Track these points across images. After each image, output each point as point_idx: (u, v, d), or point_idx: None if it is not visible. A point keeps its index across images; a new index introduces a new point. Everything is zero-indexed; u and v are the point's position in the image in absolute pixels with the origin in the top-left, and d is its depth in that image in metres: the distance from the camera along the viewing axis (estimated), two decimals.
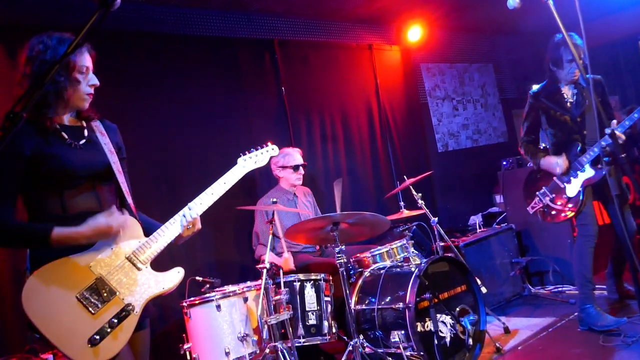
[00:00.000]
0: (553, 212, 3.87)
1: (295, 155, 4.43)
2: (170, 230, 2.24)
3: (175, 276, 2.21)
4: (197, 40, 4.68)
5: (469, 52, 7.17)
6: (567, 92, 3.94)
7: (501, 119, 7.31)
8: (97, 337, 1.96)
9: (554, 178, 3.87)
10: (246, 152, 2.61)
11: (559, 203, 3.84)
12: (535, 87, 4.05)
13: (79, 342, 1.93)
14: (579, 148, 3.81)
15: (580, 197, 3.75)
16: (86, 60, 2.11)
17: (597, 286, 3.93)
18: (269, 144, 2.69)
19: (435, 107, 6.56)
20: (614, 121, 3.57)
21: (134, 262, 2.14)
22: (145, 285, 2.14)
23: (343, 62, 5.76)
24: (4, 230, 1.98)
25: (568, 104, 3.90)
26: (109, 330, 1.99)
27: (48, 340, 1.88)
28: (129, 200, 2.25)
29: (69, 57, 2.00)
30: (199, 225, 2.32)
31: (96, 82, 2.15)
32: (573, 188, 3.78)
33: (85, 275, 2.01)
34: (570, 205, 3.79)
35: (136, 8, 4.32)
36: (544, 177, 3.95)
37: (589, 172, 3.73)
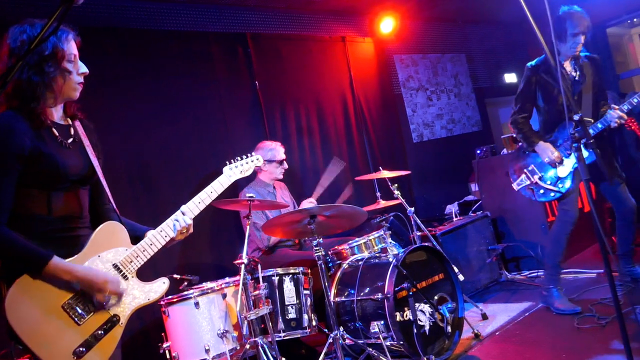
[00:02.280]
0: (541, 191, 3.84)
1: (280, 150, 4.44)
2: (158, 240, 2.23)
3: (160, 287, 2.22)
4: (169, 35, 4.61)
5: (441, 43, 7.21)
6: (568, 67, 3.93)
7: (475, 108, 7.38)
8: (83, 349, 1.92)
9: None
10: (232, 161, 2.63)
11: (549, 182, 3.82)
12: (533, 62, 3.97)
13: (63, 353, 1.89)
14: (572, 127, 3.82)
15: (571, 180, 3.77)
16: (73, 48, 2.07)
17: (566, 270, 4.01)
18: (253, 154, 2.74)
19: (409, 98, 6.59)
20: (613, 107, 3.64)
21: (121, 271, 2.11)
22: (131, 295, 2.13)
23: (316, 54, 5.74)
24: (2, 241, 1.89)
25: (567, 79, 3.88)
26: (95, 341, 1.96)
27: (31, 351, 1.82)
28: (113, 204, 2.24)
29: (58, 46, 1.97)
30: (191, 229, 2.35)
31: (85, 70, 2.11)
32: (565, 168, 3.80)
33: (71, 283, 1.96)
34: (560, 185, 3.80)
35: (106, 3, 4.25)
36: (531, 154, 3.93)
37: (583, 153, 3.77)
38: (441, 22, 7.21)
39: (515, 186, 3.96)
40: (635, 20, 8.23)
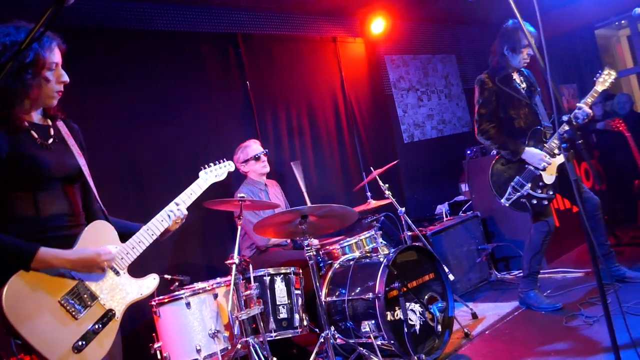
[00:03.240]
0: (534, 201, 3.82)
1: (252, 146, 4.44)
2: (146, 238, 2.26)
3: (151, 282, 2.27)
4: (159, 35, 4.60)
5: (432, 44, 7.25)
6: (517, 78, 4.01)
7: (465, 109, 7.42)
8: (82, 342, 1.95)
9: (527, 166, 3.84)
10: (206, 166, 2.71)
11: (538, 191, 3.82)
12: (483, 75, 4.04)
13: (63, 348, 1.90)
14: (540, 133, 3.89)
15: (556, 184, 3.80)
16: (56, 56, 2.04)
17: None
18: (224, 159, 2.81)
19: (400, 99, 6.62)
20: (582, 105, 3.69)
21: (113, 267, 2.14)
22: (125, 290, 2.16)
23: (307, 55, 5.75)
24: None
25: (522, 89, 3.97)
26: (93, 335, 1.98)
27: (31, 346, 1.83)
28: (100, 203, 2.25)
29: (40, 54, 1.95)
30: (184, 219, 2.42)
31: (66, 79, 2.09)
32: (550, 175, 3.82)
33: (66, 278, 1.98)
34: (550, 192, 3.82)
35: (96, 4, 4.23)
36: (512, 165, 3.90)
37: (561, 158, 3.82)
38: (432, 22, 7.25)
39: (504, 202, 3.87)
40: (622, 22, 8.33)
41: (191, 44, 4.79)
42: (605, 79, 3.85)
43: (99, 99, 4.12)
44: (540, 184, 3.82)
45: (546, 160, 3.79)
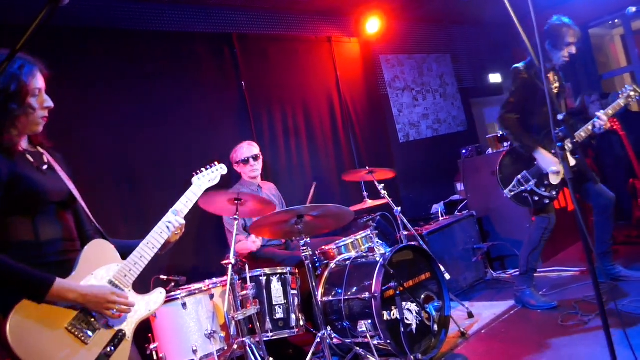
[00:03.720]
0: (536, 198, 3.83)
1: (243, 149, 4.44)
2: (147, 252, 2.22)
3: (159, 297, 2.24)
4: (154, 35, 4.59)
5: (427, 43, 7.26)
6: (551, 77, 3.99)
7: (460, 108, 7.43)
8: None
9: (536, 163, 3.85)
10: (198, 172, 2.65)
11: (542, 189, 3.82)
12: (521, 64, 3.96)
13: None
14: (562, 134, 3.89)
15: (561, 186, 3.81)
16: (39, 82, 2.01)
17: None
18: (216, 163, 2.75)
19: (395, 98, 6.63)
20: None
21: (117, 286, 2.10)
22: (133, 309, 2.11)
23: (303, 55, 5.75)
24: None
25: (554, 87, 3.95)
26: (106, 359, 1.95)
27: None
28: (96, 224, 2.22)
29: (22, 82, 1.93)
30: (183, 229, 2.38)
31: (50, 104, 2.06)
32: (559, 176, 3.82)
33: (74, 304, 1.94)
34: (553, 192, 3.83)
35: (91, 4, 4.21)
36: (522, 159, 3.90)
37: (572, 162, 3.83)
38: (426, 22, 7.26)
39: (507, 193, 3.89)
40: (616, 21, 8.36)
41: (186, 44, 4.78)
42: (630, 95, 3.92)
43: (95, 98, 4.11)
44: (546, 182, 3.83)
45: (556, 168, 3.78)
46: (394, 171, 4.60)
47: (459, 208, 5.67)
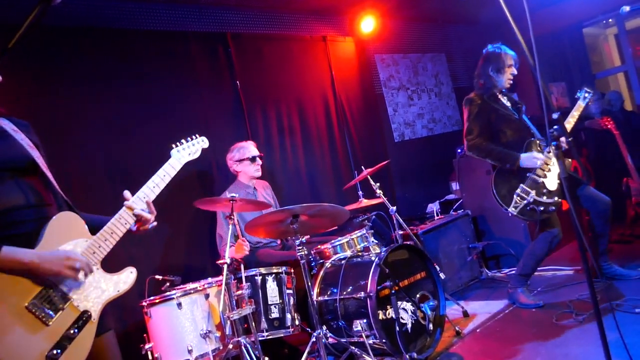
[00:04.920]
0: (542, 208, 3.80)
1: (249, 147, 4.40)
2: (119, 228, 2.07)
3: (128, 277, 2.08)
4: (149, 34, 4.57)
5: (421, 42, 7.26)
6: (502, 98, 4.14)
7: (455, 108, 7.44)
8: (57, 351, 1.78)
9: (528, 175, 3.85)
10: (178, 144, 2.55)
11: (544, 197, 3.82)
12: (471, 94, 4.14)
13: (35, 358, 1.73)
14: (536, 145, 3.95)
15: (560, 189, 3.84)
16: None
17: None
18: (197, 135, 2.65)
19: (390, 98, 6.63)
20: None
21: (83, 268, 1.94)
22: (100, 288, 1.97)
23: (297, 54, 5.74)
24: None
25: (508, 106, 4.10)
26: (68, 342, 1.81)
27: None
28: (62, 195, 2.07)
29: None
30: (154, 214, 2.21)
31: None
32: (552, 181, 3.85)
33: (32, 280, 1.80)
34: (555, 198, 3.83)
35: (84, 3, 4.19)
36: (514, 176, 3.90)
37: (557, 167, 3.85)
38: (421, 21, 7.26)
39: (512, 211, 3.83)
40: (610, 20, 8.39)
41: (180, 44, 4.77)
42: (586, 97, 4.13)
43: (88, 98, 4.09)
44: (544, 190, 3.84)
45: (539, 157, 3.83)
46: (388, 165, 4.60)
47: (454, 207, 5.68)
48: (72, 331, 1.84)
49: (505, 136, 4.00)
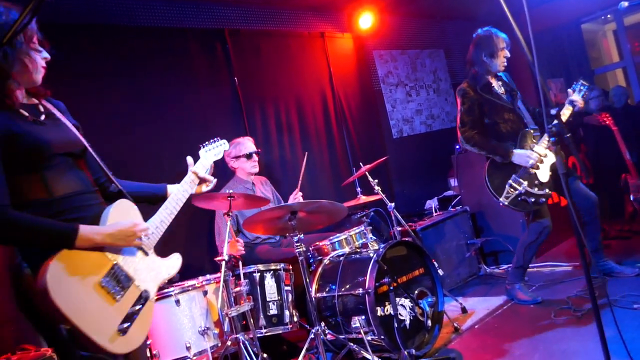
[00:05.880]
0: (532, 199, 3.81)
1: (246, 144, 4.40)
2: (167, 217, 2.29)
3: (176, 262, 2.30)
4: (146, 31, 4.55)
5: (420, 38, 7.25)
6: (496, 84, 4.07)
7: (453, 104, 7.43)
8: (126, 324, 1.92)
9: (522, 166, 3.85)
10: (205, 144, 2.74)
11: (535, 189, 3.82)
12: (464, 84, 4.08)
13: (110, 330, 1.87)
14: (530, 136, 3.93)
15: (551, 182, 3.83)
16: (37, 32, 1.99)
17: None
18: (218, 138, 2.80)
19: (388, 94, 6.62)
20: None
21: (142, 248, 2.14)
22: (155, 271, 2.15)
23: (296, 50, 5.73)
24: (14, 223, 1.79)
25: (502, 94, 4.03)
26: (134, 317, 1.96)
27: (80, 331, 1.77)
28: (111, 176, 2.22)
29: (27, 26, 1.83)
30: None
31: (47, 55, 2.03)
32: (544, 173, 3.85)
33: (102, 260, 1.95)
34: (547, 190, 3.83)
35: (84, 1, 4.18)
36: (507, 166, 3.90)
37: (552, 157, 3.84)
38: (419, 17, 7.24)
39: (503, 201, 3.84)
40: (609, 16, 8.38)
41: (178, 40, 4.75)
42: (581, 89, 4.00)
43: (85, 95, 4.07)
44: (536, 182, 3.83)
45: (533, 157, 3.81)
46: (386, 161, 4.60)
47: (452, 204, 5.68)
48: (136, 307, 2.00)
49: (499, 127, 3.98)
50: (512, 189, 3.84)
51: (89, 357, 1.85)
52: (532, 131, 3.95)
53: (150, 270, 2.14)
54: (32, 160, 1.91)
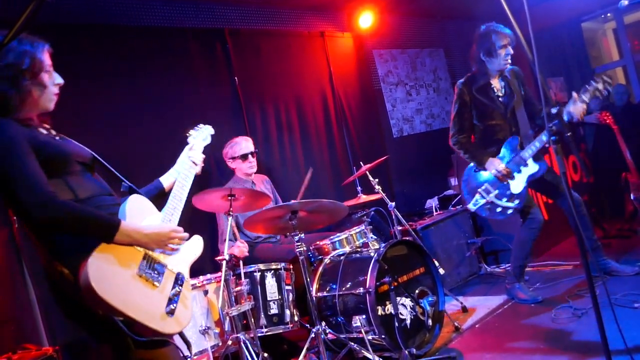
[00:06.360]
0: (498, 209, 3.86)
1: (242, 144, 4.39)
2: (182, 193, 2.39)
3: (198, 242, 2.35)
4: (146, 31, 4.55)
5: (420, 38, 7.24)
6: (497, 85, 3.99)
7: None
8: (172, 306, 2.00)
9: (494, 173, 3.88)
10: (191, 131, 2.81)
11: (504, 200, 3.85)
12: (463, 80, 4.03)
13: (159, 314, 1.94)
14: (517, 142, 3.90)
15: (524, 195, 3.83)
16: (48, 59, 2.07)
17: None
18: (201, 125, 2.87)
19: (389, 93, 6.62)
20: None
21: None
22: (182, 254, 2.21)
23: (296, 50, 5.72)
24: (66, 207, 1.86)
25: (499, 97, 3.96)
26: (177, 298, 2.04)
27: (134, 320, 1.83)
28: (125, 181, 2.32)
29: (36, 58, 1.98)
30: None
31: (61, 80, 2.11)
32: (517, 184, 3.83)
33: (133, 252, 1.99)
34: (516, 202, 3.83)
35: (84, 1, 4.17)
36: (484, 173, 3.95)
37: (532, 167, 3.82)
38: (419, 17, 7.24)
39: (471, 207, 3.93)
40: (609, 15, 8.38)
41: (178, 40, 4.75)
42: (599, 88, 3.87)
43: (85, 95, 4.07)
44: (508, 192, 3.84)
45: (499, 169, 3.82)
46: (386, 160, 4.60)
47: (452, 203, 5.67)
48: (176, 289, 2.07)
49: (488, 131, 3.98)
50: (480, 197, 3.90)
51: (149, 341, 1.93)
52: (520, 139, 3.91)
53: (180, 252, 2.20)
54: (55, 166, 1.99)
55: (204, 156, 2.61)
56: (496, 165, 3.85)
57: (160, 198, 2.45)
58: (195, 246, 2.33)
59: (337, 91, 6.02)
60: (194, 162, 2.56)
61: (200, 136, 2.77)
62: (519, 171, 3.83)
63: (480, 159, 3.93)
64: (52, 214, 1.83)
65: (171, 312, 1.98)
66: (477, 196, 3.91)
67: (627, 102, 6.54)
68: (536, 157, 3.82)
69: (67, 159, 2.04)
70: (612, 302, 3.43)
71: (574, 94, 3.75)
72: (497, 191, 3.85)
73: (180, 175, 2.47)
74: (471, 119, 4.01)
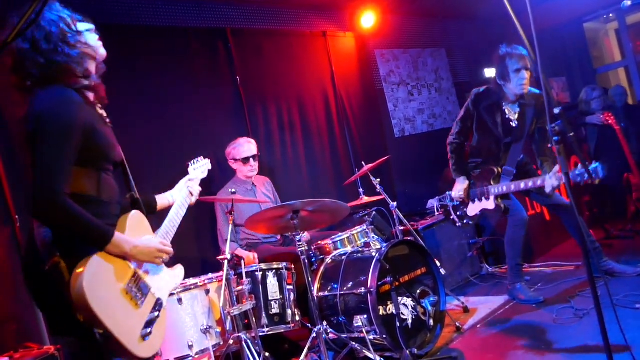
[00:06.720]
0: (459, 213, 4.18)
1: (244, 147, 4.38)
2: (176, 222, 2.40)
3: (180, 272, 2.37)
4: (148, 30, 4.55)
5: (422, 38, 7.23)
6: (510, 110, 3.98)
7: (455, 103, 7.42)
8: (148, 330, 1.97)
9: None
10: (191, 163, 2.86)
11: (458, 213, 4.19)
12: (475, 92, 4.07)
13: (135, 335, 1.91)
14: (494, 174, 3.98)
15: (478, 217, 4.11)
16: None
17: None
18: (202, 157, 2.91)
19: (390, 93, 6.61)
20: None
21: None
22: (164, 280, 2.21)
23: (298, 49, 5.72)
24: (66, 209, 1.83)
25: (510, 122, 3.97)
26: (153, 324, 2.01)
27: (112, 336, 1.80)
28: (135, 191, 2.30)
29: (63, 19, 2.16)
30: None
31: (104, 52, 2.25)
32: (472, 210, 4.08)
33: (125, 267, 1.99)
34: (465, 222, 4.20)
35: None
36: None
37: (489, 205, 3.98)
38: (421, 16, 7.23)
39: (437, 203, 4.27)
40: (611, 15, 8.37)
41: (180, 39, 4.74)
42: None
43: None
44: (464, 208, 4.12)
45: (459, 194, 4.10)
46: (388, 160, 4.68)
47: None
48: (154, 314, 2.05)
49: (480, 148, 4.14)
50: (444, 199, 4.26)
51: None
52: (498, 170, 4.00)
53: (161, 279, 2.19)
54: (95, 157, 2.01)
55: (200, 189, 2.68)
56: (459, 188, 4.09)
57: (149, 213, 2.41)
58: (176, 275, 2.34)
59: (339, 91, 6.01)
60: (191, 193, 2.60)
61: (200, 169, 2.82)
62: (480, 200, 4.01)
63: (457, 170, 4.15)
64: (51, 212, 1.83)
65: (146, 336, 1.96)
66: (444, 195, 4.28)
67: (626, 103, 6.54)
68: (502, 196, 3.98)
69: (109, 156, 2.06)
70: (613, 302, 3.45)
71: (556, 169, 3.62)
72: (455, 204, 4.17)
73: (177, 203, 2.50)
74: (472, 126, 4.13)
